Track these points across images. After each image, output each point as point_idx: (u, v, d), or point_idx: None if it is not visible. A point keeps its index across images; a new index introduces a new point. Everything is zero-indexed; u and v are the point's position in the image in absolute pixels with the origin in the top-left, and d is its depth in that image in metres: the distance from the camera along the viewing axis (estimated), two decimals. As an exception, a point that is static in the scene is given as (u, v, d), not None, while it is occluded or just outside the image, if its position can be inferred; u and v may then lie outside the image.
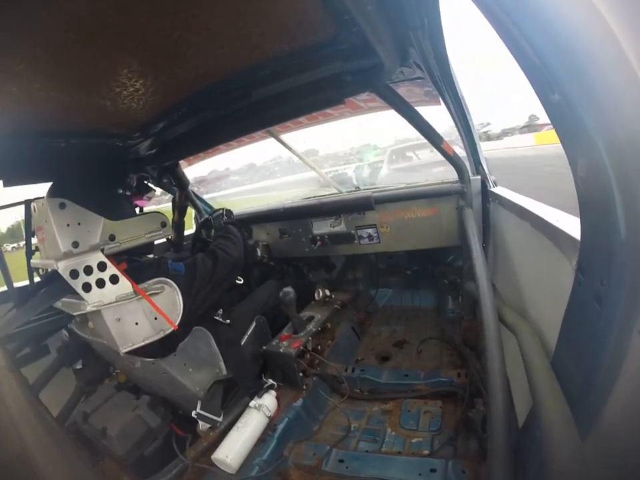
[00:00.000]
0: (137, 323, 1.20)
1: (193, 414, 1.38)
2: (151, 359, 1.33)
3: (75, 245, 1.12)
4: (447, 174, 1.96)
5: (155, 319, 1.22)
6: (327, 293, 2.14)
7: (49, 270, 1.21)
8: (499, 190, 1.60)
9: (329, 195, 2.34)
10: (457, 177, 1.76)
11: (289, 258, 2.52)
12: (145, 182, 1.52)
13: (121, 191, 1.37)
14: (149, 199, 1.55)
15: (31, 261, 1.34)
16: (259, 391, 1.54)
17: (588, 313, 0.60)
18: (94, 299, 1.12)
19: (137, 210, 1.46)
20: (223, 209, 2.09)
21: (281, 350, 1.67)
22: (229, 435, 1.37)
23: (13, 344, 1.52)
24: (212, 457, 1.31)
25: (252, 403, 1.47)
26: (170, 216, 2.18)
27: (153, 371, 1.37)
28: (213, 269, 1.45)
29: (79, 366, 1.69)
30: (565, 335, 0.72)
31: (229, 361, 1.55)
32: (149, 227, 1.32)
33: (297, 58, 1.07)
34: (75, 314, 1.19)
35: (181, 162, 2.06)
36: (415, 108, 1.36)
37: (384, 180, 6.45)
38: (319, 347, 1.84)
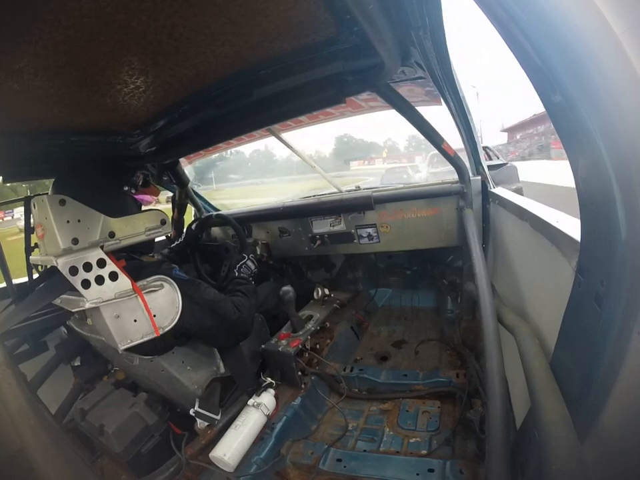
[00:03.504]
0: (135, 320, 1.20)
1: (191, 412, 1.38)
2: (149, 357, 1.33)
3: (75, 241, 1.12)
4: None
5: (154, 316, 1.22)
6: (326, 292, 2.14)
7: (48, 266, 1.21)
8: (499, 190, 1.60)
9: (328, 194, 2.34)
10: (457, 177, 1.76)
11: (288, 257, 2.52)
12: (147, 179, 1.51)
13: (126, 189, 1.36)
14: (156, 195, 1.54)
15: (30, 257, 1.34)
16: (257, 390, 1.53)
17: (587, 314, 0.60)
18: (93, 295, 1.12)
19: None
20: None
21: (280, 349, 1.67)
22: (227, 433, 1.37)
23: (12, 340, 1.52)
24: (210, 455, 1.31)
25: (250, 402, 1.47)
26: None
27: (151, 369, 1.37)
28: (224, 317, 1.39)
29: (77, 363, 1.69)
30: (564, 336, 0.72)
31: (227, 359, 1.55)
32: (148, 225, 1.32)
33: (298, 57, 1.07)
34: (73, 310, 1.19)
35: (181, 160, 2.06)
36: (416, 108, 1.36)
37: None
38: (318, 346, 1.84)
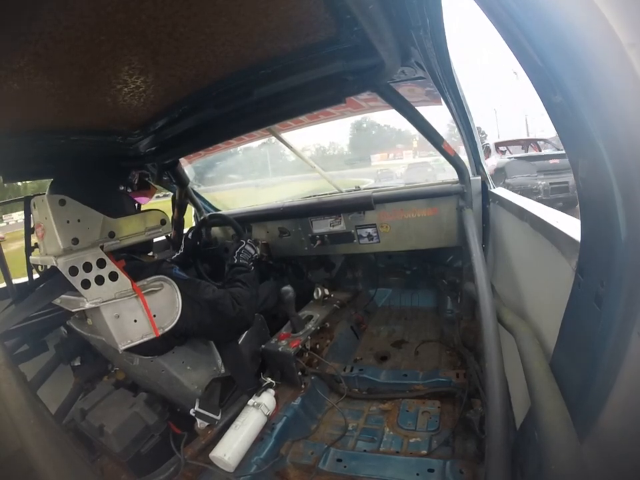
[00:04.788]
0: (135, 320, 1.20)
1: (191, 412, 1.38)
2: (149, 357, 1.33)
3: (75, 241, 1.12)
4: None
5: (154, 316, 1.22)
6: (326, 292, 2.14)
7: (48, 266, 1.21)
8: (499, 191, 1.60)
9: (329, 194, 2.34)
10: (457, 177, 1.76)
11: (288, 257, 2.52)
12: (146, 179, 1.51)
13: (122, 188, 1.36)
14: (151, 196, 1.54)
15: (30, 257, 1.34)
16: (257, 390, 1.54)
17: (587, 314, 0.60)
18: (93, 295, 1.12)
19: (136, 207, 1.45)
20: (252, 237, 2.08)
21: (280, 349, 1.67)
22: (227, 433, 1.37)
23: (12, 340, 1.52)
24: (210, 455, 1.31)
25: (250, 402, 1.47)
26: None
27: (151, 369, 1.37)
28: (223, 313, 1.40)
29: (77, 363, 1.69)
30: (564, 336, 0.72)
31: (227, 359, 1.55)
32: (148, 224, 1.32)
33: (298, 57, 1.07)
34: (73, 310, 1.19)
35: (182, 160, 2.06)
36: (416, 108, 1.36)
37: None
38: (318, 346, 1.84)
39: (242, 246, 1.73)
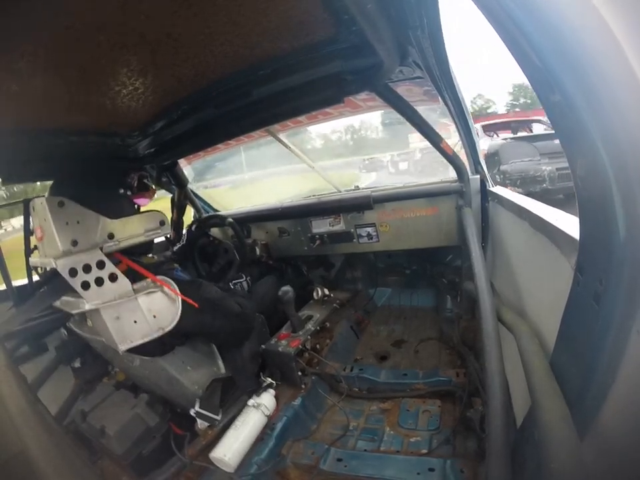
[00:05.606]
0: (135, 321, 1.20)
1: (192, 412, 1.38)
2: (149, 357, 1.33)
3: (74, 243, 1.12)
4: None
5: (154, 317, 1.22)
6: (326, 292, 2.14)
7: (48, 269, 1.21)
8: (498, 189, 1.61)
9: (328, 193, 2.34)
10: (456, 176, 1.76)
11: (288, 257, 2.53)
12: (145, 181, 1.51)
13: (122, 191, 1.36)
14: (151, 197, 1.53)
15: (30, 259, 1.34)
16: (257, 390, 1.54)
17: (586, 312, 0.60)
18: (93, 297, 1.12)
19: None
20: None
21: (280, 349, 1.67)
22: (228, 433, 1.37)
23: (12, 342, 1.52)
24: (210, 455, 1.31)
25: (250, 402, 1.47)
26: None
27: (151, 369, 1.37)
28: (225, 313, 1.45)
29: (77, 364, 1.69)
30: (564, 334, 0.72)
31: (227, 359, 1.55)
32: (147, 226, 1.32)
33: (296, 57, 1.07)
34: (73, 312, 1.19)
35: (180, 161, 2.06)
36: (415, 107, 1.36)
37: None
38: (318, 346, 1.84)
39: (240, 280, 1.94)
